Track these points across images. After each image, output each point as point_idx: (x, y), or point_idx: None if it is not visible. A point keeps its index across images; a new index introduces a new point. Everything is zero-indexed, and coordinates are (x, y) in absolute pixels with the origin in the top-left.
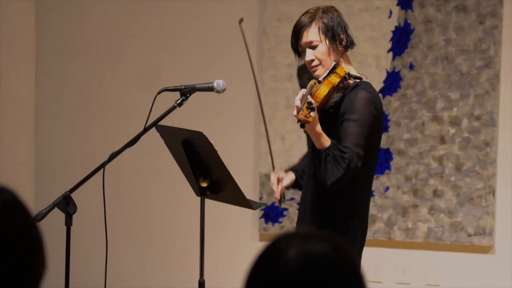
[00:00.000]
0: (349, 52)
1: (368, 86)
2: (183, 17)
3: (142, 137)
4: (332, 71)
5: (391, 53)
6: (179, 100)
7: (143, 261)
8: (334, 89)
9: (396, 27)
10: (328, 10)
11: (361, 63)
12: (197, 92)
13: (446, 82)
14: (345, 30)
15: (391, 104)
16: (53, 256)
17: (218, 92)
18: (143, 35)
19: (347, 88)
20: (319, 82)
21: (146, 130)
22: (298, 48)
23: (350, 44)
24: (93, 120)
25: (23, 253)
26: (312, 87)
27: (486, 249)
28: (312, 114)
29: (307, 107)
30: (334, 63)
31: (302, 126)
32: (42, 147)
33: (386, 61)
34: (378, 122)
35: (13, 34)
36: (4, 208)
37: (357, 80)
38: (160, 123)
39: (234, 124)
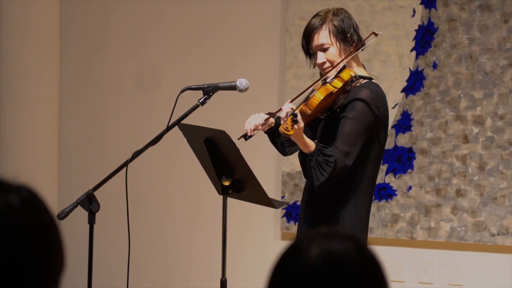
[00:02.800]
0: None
1: (372, 85)
2: (208, 16)
3: (164, 136)
4: (338, 74)
5: (414, 52)
6: (202, 99)
7: (165, 260)
8: (336, 93)
9: (419, 26)
10: (338, 12)
11: (384, 62)
12: (219, 91)
13: (470, 81)
14: (356, 31)
15: (414, 103)
16: (76, 254)
17: (241, 91)
18: (167, 34)
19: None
20: (323, 84)
21: (169, 128)
22: (309, 50)
23: (361, 46)
24: (116, 118)
25: (40, 252)
26: (312, 92)
27: (509, 249)
28: (295, 126)
29: (291, 120)
30: (343, 64)
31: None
32: (65, 146)
33: (409, 60)
34: (382, 120)
35: (37, 33)
36: (21, 206)
37: (366, 81)
38: (183, 121)
39: None
